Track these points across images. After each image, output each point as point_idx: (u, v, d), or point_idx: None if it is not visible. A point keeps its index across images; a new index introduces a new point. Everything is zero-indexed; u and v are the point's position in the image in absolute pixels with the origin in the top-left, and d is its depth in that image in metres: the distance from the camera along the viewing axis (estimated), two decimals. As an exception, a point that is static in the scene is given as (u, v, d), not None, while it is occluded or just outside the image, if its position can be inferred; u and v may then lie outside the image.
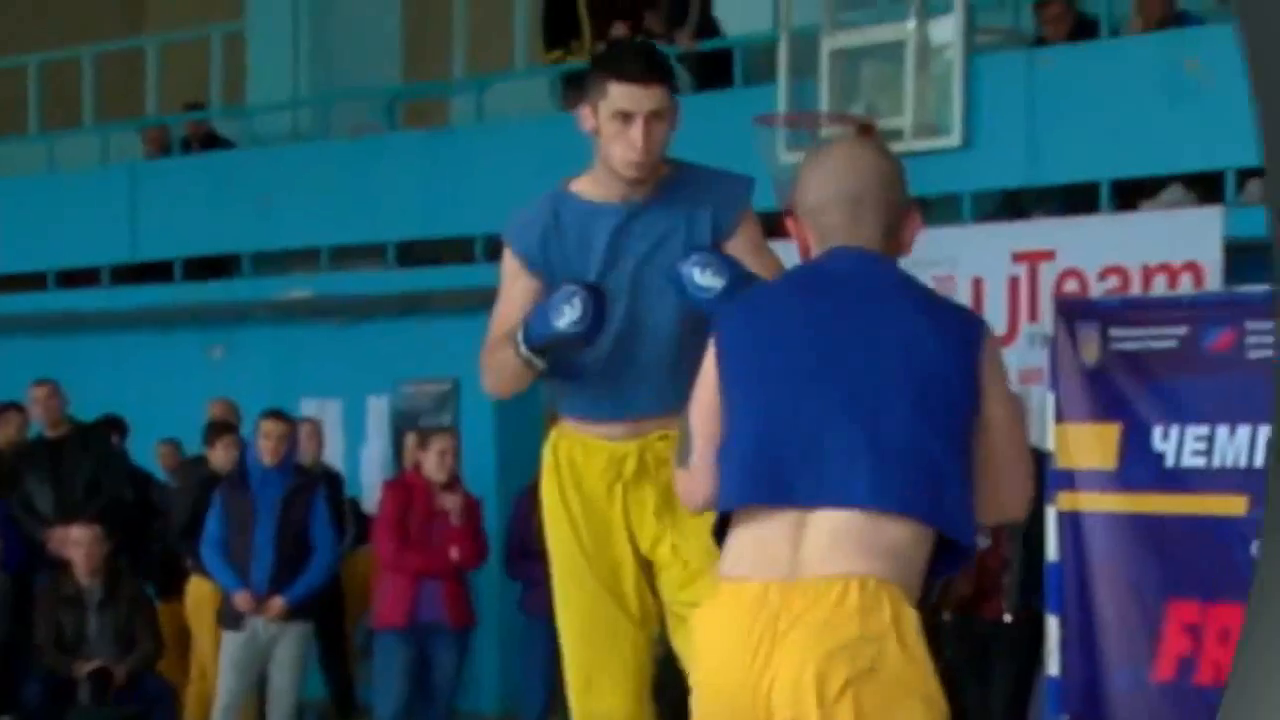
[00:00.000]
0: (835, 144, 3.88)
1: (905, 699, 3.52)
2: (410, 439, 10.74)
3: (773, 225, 11.02)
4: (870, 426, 3.55)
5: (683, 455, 3.83)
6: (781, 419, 3.60)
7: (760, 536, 3.57)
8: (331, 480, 10.82)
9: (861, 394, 3.58)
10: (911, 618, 3.53)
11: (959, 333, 3.66)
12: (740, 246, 4.56)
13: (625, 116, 4.41)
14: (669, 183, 4.55)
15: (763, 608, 3.51)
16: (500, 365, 4.54)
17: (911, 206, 3.78)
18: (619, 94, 4.41)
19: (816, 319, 3.66)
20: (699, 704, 3.65)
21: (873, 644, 3.49)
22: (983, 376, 3.63)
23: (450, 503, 9.70)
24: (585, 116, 4.49)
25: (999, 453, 3.66)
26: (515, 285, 4.58)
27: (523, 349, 4.44)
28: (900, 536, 3.53)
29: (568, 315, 4.35)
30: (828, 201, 3.70)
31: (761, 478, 3.59)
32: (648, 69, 4.44)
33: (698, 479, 3.76)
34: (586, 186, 4.58)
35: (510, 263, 4.59)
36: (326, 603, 10.23)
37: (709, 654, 3.61)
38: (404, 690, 9.55)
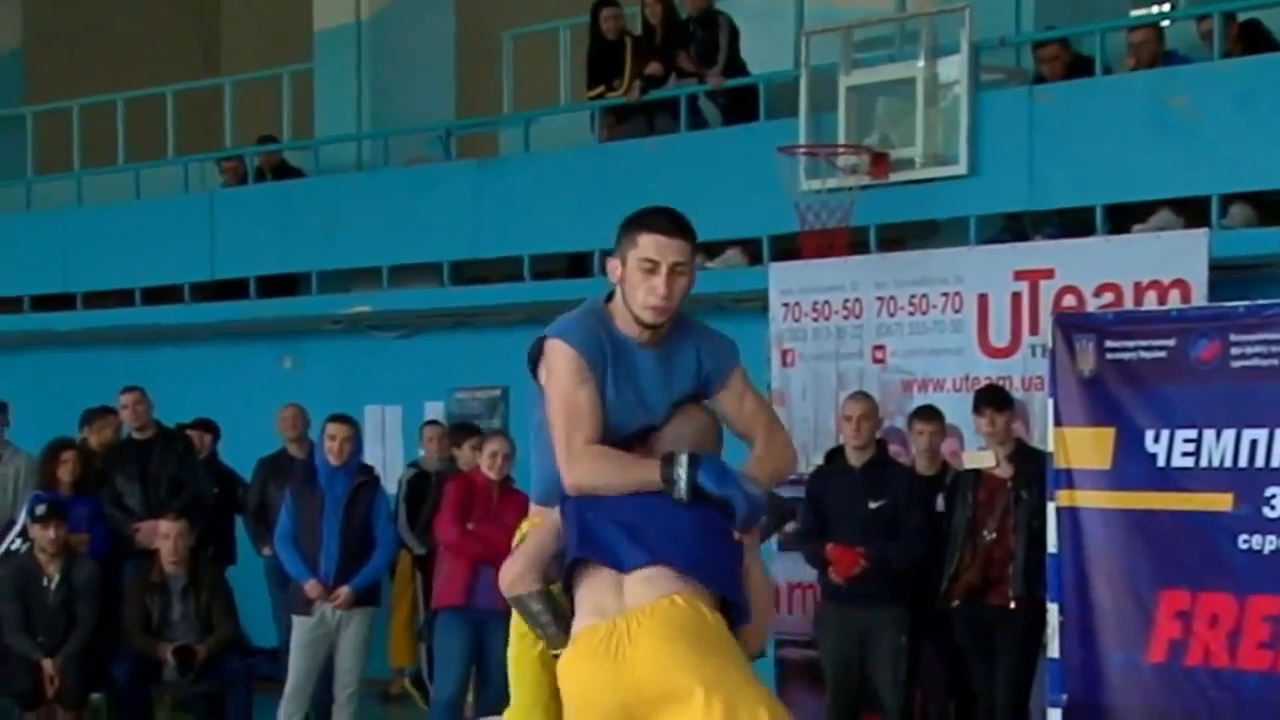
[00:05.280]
0: None
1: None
2: (467, 441, 10.71)
3: (793, 246, 10.96)
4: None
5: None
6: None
7: (591, 595, 4.47)
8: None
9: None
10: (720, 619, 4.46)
11: None
12: (731, 394, 4.71)
13: (652, 265, 4.53)
14: (674, 328, 4.67)
15: (612, 631, 4.38)
16: (621, 478, 4.55)
17: None
18: (647, 244, 4.54)
19: None
20: None
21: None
22: None
23: (500, 496, 9.69)
24: (614, 268, 4.61)
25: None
26: (588, 385, 4.57)
27: (682, 482, 4.46)
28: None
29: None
30: None
31: (591, 545, 4.48)
32: (674, 225, 4.57)
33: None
34: (618, 320, 4.65)
35: (576, 361, 4.57)
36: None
37: (573, 680, 4.43)
38: (461, 670, 9.50)
